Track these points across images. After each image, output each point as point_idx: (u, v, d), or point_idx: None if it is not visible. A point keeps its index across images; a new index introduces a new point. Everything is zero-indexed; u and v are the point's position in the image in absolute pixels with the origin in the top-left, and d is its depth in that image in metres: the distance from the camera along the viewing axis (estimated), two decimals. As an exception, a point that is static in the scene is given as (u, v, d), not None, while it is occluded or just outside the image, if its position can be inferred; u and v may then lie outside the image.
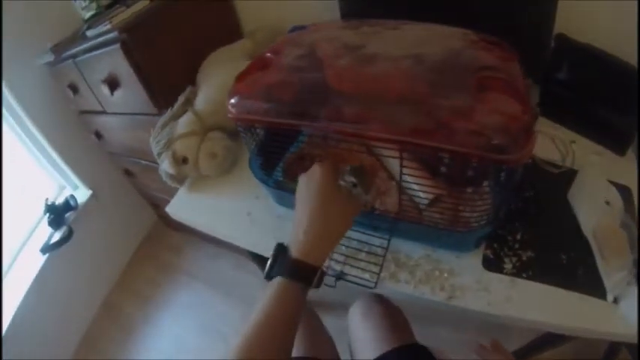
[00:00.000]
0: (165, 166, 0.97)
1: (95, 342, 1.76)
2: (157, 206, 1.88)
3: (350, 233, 0.74)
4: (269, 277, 0.53)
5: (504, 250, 0.71)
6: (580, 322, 0.62)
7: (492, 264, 0.70)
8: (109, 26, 1.05)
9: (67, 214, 1.64)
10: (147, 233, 2.12)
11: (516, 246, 0.72)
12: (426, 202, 0.67)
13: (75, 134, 1.60)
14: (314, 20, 0.80)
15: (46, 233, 1.60)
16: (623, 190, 0.77)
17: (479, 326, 1.31)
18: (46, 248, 1.56)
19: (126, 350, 1.70)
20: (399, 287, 0.69)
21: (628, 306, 0.61)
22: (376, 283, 0.63)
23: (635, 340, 0.59)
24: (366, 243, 0.73)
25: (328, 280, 0.64)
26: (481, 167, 0.65)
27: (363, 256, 0.72)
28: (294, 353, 0.82)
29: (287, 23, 0.87)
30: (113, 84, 1.16)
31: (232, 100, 0.64)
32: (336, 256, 0.70)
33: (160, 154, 0.99)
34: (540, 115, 0.94)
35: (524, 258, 0.70)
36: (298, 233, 0.53)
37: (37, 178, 1.67)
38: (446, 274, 0.69)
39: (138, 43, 1.06)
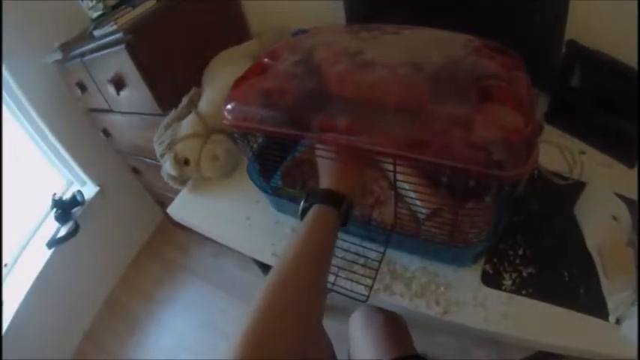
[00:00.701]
0: (167, 167, 0.97)
1: (98, 337, 1.77)
2: (163, 204, 1.87)
3: (345, 244, 0.72)
4: (303, 213, 0.56)
5: (504, 265, 0.69)
6: (579, 343, 0.59)
7: (491, 279, 0.67)
8: (114, 27, 1.05)
9: (74, 210, 1.65)
10: (152, 231, 2.13)
11: (517, 261, 0.69)
12: (424, 214, 0.65)
13: (83, 131, 1.61)
14: (321, 22, 0.78)
15: (52, 228, 1.62)
16: (632, 205, 0.73)
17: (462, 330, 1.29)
18: (52, 242, 1.58)
19: (128, 346, 1.70)
20: (394, 300, 0.67)
21: (631, 327, 0.58)
22: (368, 296, 0.61)
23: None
24: (362, 255, 0.71)
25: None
26: (481, 181, 0.62)
27: (358, 267, 0.70)
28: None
29: (295, 24, 0.86)
30: (119, 84, 1.17)
31: (228, 107, 0.62)
32: (331, 268, 0.68)
33: (162, 155, 0.98)
34: (549, 124, 0.91)
35: (524, 274, 0.67)
36: (323, 176, 0.60)
37: (46, 174, 1.68)
38: (442, 288, 0.67)
39: (143, 44, 1.05)
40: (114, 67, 1.14)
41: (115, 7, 1.20)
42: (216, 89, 1.04)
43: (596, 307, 0.61)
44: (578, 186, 0.78)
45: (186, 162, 0.96)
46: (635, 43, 0.79)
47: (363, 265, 0.69)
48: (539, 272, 0.67)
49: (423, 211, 0.65)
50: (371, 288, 0.62)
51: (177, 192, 1.04)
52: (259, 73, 0.63)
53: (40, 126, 1.50)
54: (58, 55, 1.28)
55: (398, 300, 0.66)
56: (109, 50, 1.09)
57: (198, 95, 1.07)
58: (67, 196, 1.68)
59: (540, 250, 0.70)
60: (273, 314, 0.41)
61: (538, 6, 0.81)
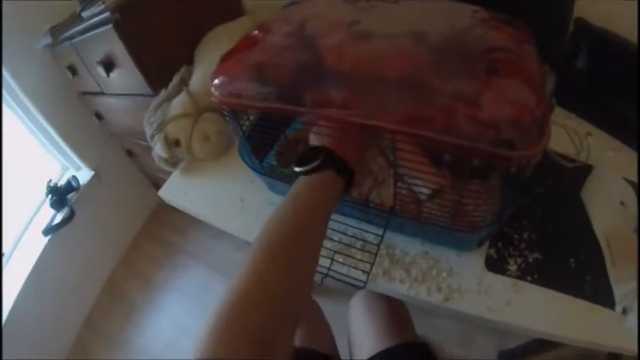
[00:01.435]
0: (158, 148, 0.92)
1: (98, 324, 1.76)
2: (159, 187, 1.83)
3: (341, 226, 0.68)
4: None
5: (509, 249, 0.65)
6: (584, 333, 0.56)
7: (495, 265, 0.64)
8: (102, 6, 1.00)
9: (70, 196, 1.61)
10: (149, 214, 2.09)
11: (522, 246, 0.65)
12: (425, 194, 0.60)
13: (76, 115, 1.56)
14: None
15: (48, 215, 1.58)
16: (637, 189, 0.69)
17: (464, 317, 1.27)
18: (49, 230, 1.54)
19: (128, 331, 1.69)
20: (393, 286, 0.63)
21: (636, 318, 0.55)
22: (366, 282, 0.57)
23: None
24: (359, 238, 0.67)
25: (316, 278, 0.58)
26: (487, 161, 0.58)
27: (355, 251, 0.66)
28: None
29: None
30: (109, 65, 1.12)
31: (216, 82, 0.57)
32: (324, 251, 0.64)
33: (152, 137, 0.94)
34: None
35: (530, 259, 0.63)
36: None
37: (40, 160, 1.64)
38: (444, 274, 0.63)
39: (132, 22, 1.00)
40: (103, 48, 1.09)
41: (103, -15, 1.13)
42: (208, 67, 0.99)
43: (603, 296, 0.58)
44: (585, 169, 0.73)
45: (177, 143, 0.91)
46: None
47: (361, 249, 0.65)
48: (545, 258, 0.63)
49: (424, 191, 0.60)
50: (369, 273, 0.58)
51: (170, 174, 1.00)
52: (249, 47, 0.58)
53: (33, 111, 1.45)
54: (48, 39, 1.23)
55: (397, 286, 0.62)
56: (97, 31, 1.04)
57: (190, 74, 1.02)
58: (62, 182, 1.64)
59: (546, 234, 0.66)
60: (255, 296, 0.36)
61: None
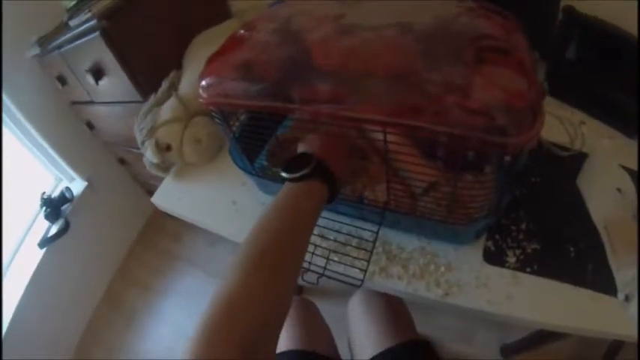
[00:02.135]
0: (149, 154, 0.90)
1: (98, 332, 1.74)
2: (153, 194, 1.81)
3: (336, 224, 0.66)
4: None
5: (507, 241, 0.64)
6: (587, 322, 0.54)
7: (494, 257, 0.62)
8: (89, 14, 0.99)
9: (64, 207, 1.59)
10: (145, 221, 2.07)
11: (520, 237, 0.64)
12: (420, 189, 0.59)
13: (68, 126, 1.54)
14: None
15: (43, 227, 1.56)
16: (635, 176, 0.68)
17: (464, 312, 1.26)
18: (44, 242, 1.52)
19: (129, 339, 1.67)
20: (391, 283, 0.61)
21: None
22: (362, 280, 0.56)
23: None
24: (355, 236, 0.65)
25: (310, 277, 0.57)
26: (481, 151, 0.57)
27: (350, 249, 0.65)
28: (290, 346, 0.76)
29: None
30: (98, 73, 1.11)
31: (203, 83, 0.56)
32: (319, 250, 0.63)
33: (143, 143, 0.92)
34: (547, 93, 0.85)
35: (528, 250, 0.62)
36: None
37: (33, 173, 1.62)
38: (442, 269, 0.62)
39: (120, 29, 0.99)
40: (91, 56, 1.08)
41: (90, -7, 1.12)
42: (197, 71, 0.95)
43: (605, 284, 0.57)
44: (581, 157, 0.72)
45: (168, 148, 0.90)
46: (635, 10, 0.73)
47: (356, 247, 0.63)
48: (544, 248, 0.62)
49: (419, 184, 0.59)
50: (365, 271, 0.56)
51: (163, 180, 0.98)
52: (234, 47, 0.56)
53: (24, 123, 1.43)
54: (36, 50, 1.22)
55: (395, 283, 0.61)
56: (85, 39, 1.03)
57: (179, 78, 1.01)
58: (55, 193, 1.62)
59: (544, 224, 0.65)
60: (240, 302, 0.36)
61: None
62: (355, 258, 0.61)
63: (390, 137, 0.48)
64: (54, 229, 1.55)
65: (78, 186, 1.65)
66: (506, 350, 1.17)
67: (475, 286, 0.59)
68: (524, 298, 0.57)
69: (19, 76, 1.33)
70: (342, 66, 0.47)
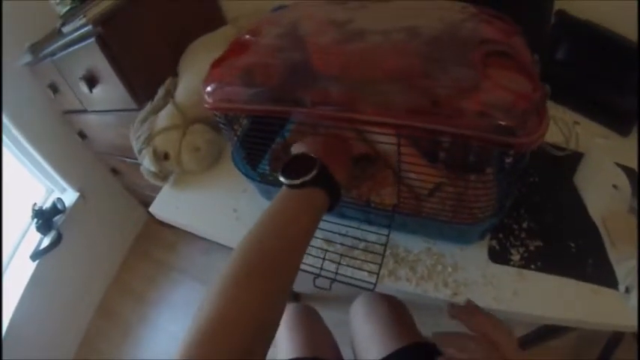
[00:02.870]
0: (147, 163, 0.88)
1: (94, 345, 1.69)
2: (147, 204, 1.77)
3: (342, 229, 0.66)
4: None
5: (510, 240, 0.64)
6: (590, 315, 0.55)
7: (498, 256, 0.63)
8: (83, 20, 0.96)
9: (56, 218, 1.55)
10: (138, 232, 2.03)
11: (523, 235, 0.65)
12: (425, 190, 0.59)
13: (59, 135, 1.51)
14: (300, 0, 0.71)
15: (35, 239, 1.52)
16: (629, 172, 0.70)
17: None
18: (36, 255, 1.48)
19: (125, 351, 1.63)
20: (400, 285, 0.61)
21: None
22: (375, 283, 0.56)
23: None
24: (361, 239, 0.65)
25: (322, 282, 0.56)
26: (484, 151, 0.57)
27: (358, 253, 0.64)
28: (293, 354, 0.75)
29: (270, 6, 0.79)
30: (92, 81, 1.09)
31: (208, 88, 0.55)
32: (329, 255, 0.62)
33: (140, 151, 0.90)
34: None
35: (531, 248, 0.63)
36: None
37: (24, 183, 1.57)
38: (449, 269, 0.62)
39: (114, 35, 0.97)
40: (85, 63, 1.06)
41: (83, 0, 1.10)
42: (193, 77, 0.97)
43: (606, 277, 0.58)
44: (576, 156, 0.74)
45: (166, 156, 0.88)
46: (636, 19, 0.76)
47: (364, 250, 0.63)
48: (546, 245, 0.63)
49: (424, 186, 0.60)
50: (378, 275, 0.56)
51: (159, 189, 0.95)
52: (239, 51, 0.56)
53: (14, 133, 1.39)
54: (28, 57, 1.19)
55: (404, 285, 0.61)
56: (79, 45, 1.01)
57: (175, 85, 0.99)
58: (47, 205, 1.58)
59: (545, 222, 0.66)
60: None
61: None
62: (364, 261, 0.61)
63: (393, 139, 0.48)
64: (46, 241, 1.50)
65: (70, 197, 1.61)
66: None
67: (482, 284, 0.60)
68: (530, 294, 0.58)
69: (9, 84, 1.29)
70: (350, 70, 0.47)
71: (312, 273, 0.56)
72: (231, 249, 0.76)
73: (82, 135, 1.43)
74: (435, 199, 0.58)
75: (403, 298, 0.65)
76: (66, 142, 1.53)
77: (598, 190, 0.68)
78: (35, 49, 1.17)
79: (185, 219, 0.85)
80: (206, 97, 0.56)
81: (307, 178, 0.45)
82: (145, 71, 1.05)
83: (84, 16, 0.96)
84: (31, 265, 1.47)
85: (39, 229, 1.51)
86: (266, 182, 0.70)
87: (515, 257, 0.62)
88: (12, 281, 1.47)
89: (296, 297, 1.49)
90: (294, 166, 0.47)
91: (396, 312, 0.79)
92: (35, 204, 1.54)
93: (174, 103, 0.92)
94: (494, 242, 0.64)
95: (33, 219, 1.52)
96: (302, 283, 0.72)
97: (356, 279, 0.59)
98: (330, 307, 1.19)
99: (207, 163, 0.92)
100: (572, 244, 0.63)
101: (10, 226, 1.53)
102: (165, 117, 0.90)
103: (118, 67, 1.00)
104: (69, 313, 1.67)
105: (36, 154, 1.47)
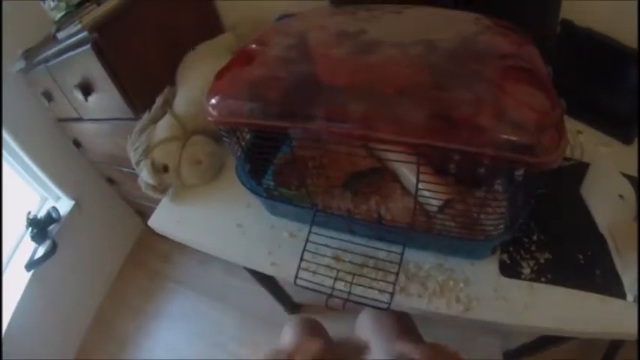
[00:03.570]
0: (145, 175, 0.84)
1: (90, 356, 1.63)
2: (143, 214, 1.74)
3: (350, 246, 0.64)
4: None
5: (521, 253, 0.63)
6: (600, 325, 0.55)
7: (509, 269, 0.61)
8: (79, 26, 0.92)
9: (50, 227, 1.49)
10: (134, 242, 1.97)
11: (533, 248, 0.63)
12: (436, 207, 0.57)
13: (54, 144, 1.45)
14: (299, 9, 0.69)
15: (30, 248, 1.46)
16: (634, 182, 0.69)
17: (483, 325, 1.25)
18: (31, 264, 1.42)
19: (122, 361, 1.58)
20: (411, 302, 0.59)
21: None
22: (389, 303, 0.53)
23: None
24: (371, 257, 0.62)
25: (335, 303, 0.54)
26: (496, 165, 0.55)
27: (368, 270, 0.62)
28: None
29: (270, 14, 0.76)
30: (87, 88, 1.04)
31: (213, 101, 0.52)
32: (342, 274, 0.60)
33: (138, 163, 0.86)
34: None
35: (541, 260, 0.62)
36: None
37: (18, 192, 1.51)
38: (461, 284, 0.60)
39: (110, 42, 0.93)
40: (80, 71, 1.01)
41: (79, 5, 1.05)
42: (193, 87, 0.93)
43: (614, 287, 0.58)
44: (582, 166, 0.73)
45: (165, 169, 0.83)
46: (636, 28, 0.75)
47: (374, 268, 0.61)
48: (556, 257, 0.62)
49: (434, 203, 0.57)
50: (392, 294, 0.53)
51: (157, 200, 0.91)
52: (246, 62, 0.53)
53: (8, 140, 1.33)
54: (21, 64, 1.14)
55: (416, 302, 0.58)
56: (74, 52, 0.96)
57: (173, 94, 0.95)
58: (41, 213, 1.52)
59: (554, 234, 0.64)
60: None
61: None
62: (374, 279, 0.58)
63: (401, 157, 0.46)
64: (41, 251, 1.45)
65: (65, 205, 1.56)
66: (509, 356, 1.17)
67: (494, 298, 0.58)
68: (540, 307, 0.57)
69: (2, 91, 1.24)
70: (364, 86, 0.44)
71: (324, 293, 0.54)
72: (223, 260, 0.73)
73: (77, 143, 1.38)
74: (445, 215, 0.56)
75: (417, 314, 0.62)
76: (60, 150, 1.47)
77: (604, 200, 0.67)
78: (28, 55, 1.13)
79: (187, 234, 0.81)
80: (210, 109, 0.53)
81: None
82: (141, 79, 1.01)
83: (79, 22, 0.92)
84: (26, 275, 1.42)
85: (34, 238, 1.45)
86: (272, 198, 0.67)
87: (526, 270, 0.61)
88: (6, 292, 1.40)
89: (297, 307, 1.45)
90: None
91: (401, 321, 0.77)
92: (29, 212, 1.49)
93: (173, 113, 0.89)
94: (504, 256, 0.63)
95: (27, 228, 1.46)
96: (302, 293, 0.69)
97: (368, 298, 0.56)
98: (330, 317, 1.16)
99: (209, 176, 0.88)
100: (581, 256, 0.62)
101: (5, 235, 1.47)
102: (163, 128, 0.86)
103: (114, 75, 0.96)
104: (65, 324, 1.61)
105: (30, 162, 1.42)
